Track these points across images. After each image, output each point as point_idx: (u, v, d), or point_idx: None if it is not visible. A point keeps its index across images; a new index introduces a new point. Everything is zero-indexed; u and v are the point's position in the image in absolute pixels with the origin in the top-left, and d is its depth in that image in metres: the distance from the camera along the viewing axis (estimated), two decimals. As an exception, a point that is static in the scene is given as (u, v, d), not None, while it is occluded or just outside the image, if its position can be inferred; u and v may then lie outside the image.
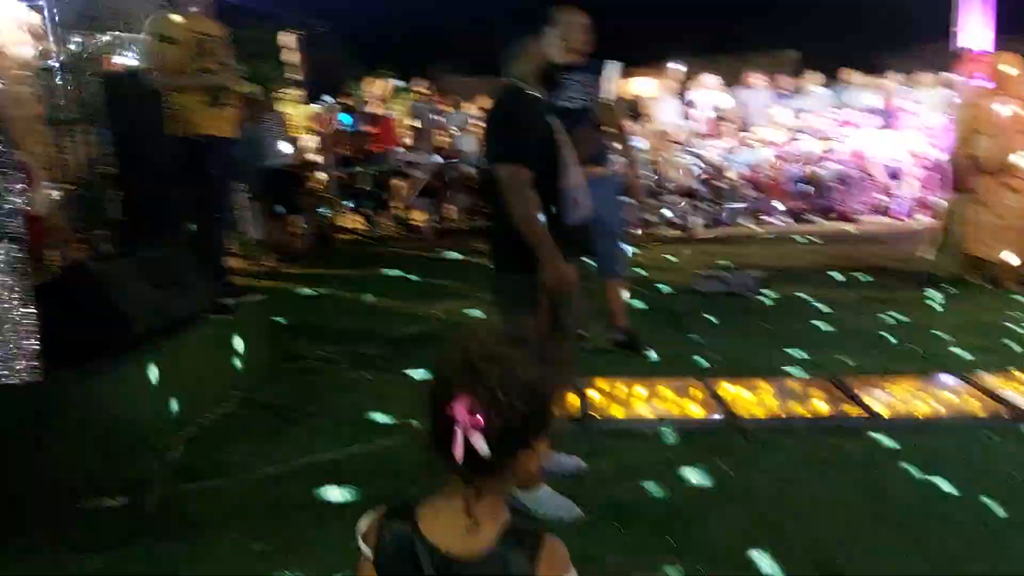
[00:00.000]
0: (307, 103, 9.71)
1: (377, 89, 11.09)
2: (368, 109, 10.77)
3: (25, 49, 9.60)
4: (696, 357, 4.62)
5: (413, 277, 7.18)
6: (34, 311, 3.23)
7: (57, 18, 8.31)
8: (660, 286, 6.47)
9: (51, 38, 8.39)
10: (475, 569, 1.14)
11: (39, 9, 8.31)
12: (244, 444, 3.63)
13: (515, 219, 2.81)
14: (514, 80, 2.97)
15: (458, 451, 1.09)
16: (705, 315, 5.60)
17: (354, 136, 10.27)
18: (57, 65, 8.25)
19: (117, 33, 10.78)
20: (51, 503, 3.03)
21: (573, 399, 3.88)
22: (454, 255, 8.05)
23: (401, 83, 11.62)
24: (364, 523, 1.22)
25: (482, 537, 1.15)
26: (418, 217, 10.25)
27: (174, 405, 3.61)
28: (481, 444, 1.09)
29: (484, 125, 3.10)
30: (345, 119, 10.37)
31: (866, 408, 3.71)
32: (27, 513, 2.98)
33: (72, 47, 9.02)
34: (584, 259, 3.77)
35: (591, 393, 4.00)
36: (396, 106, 11.60)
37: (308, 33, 9.25)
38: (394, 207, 10.25)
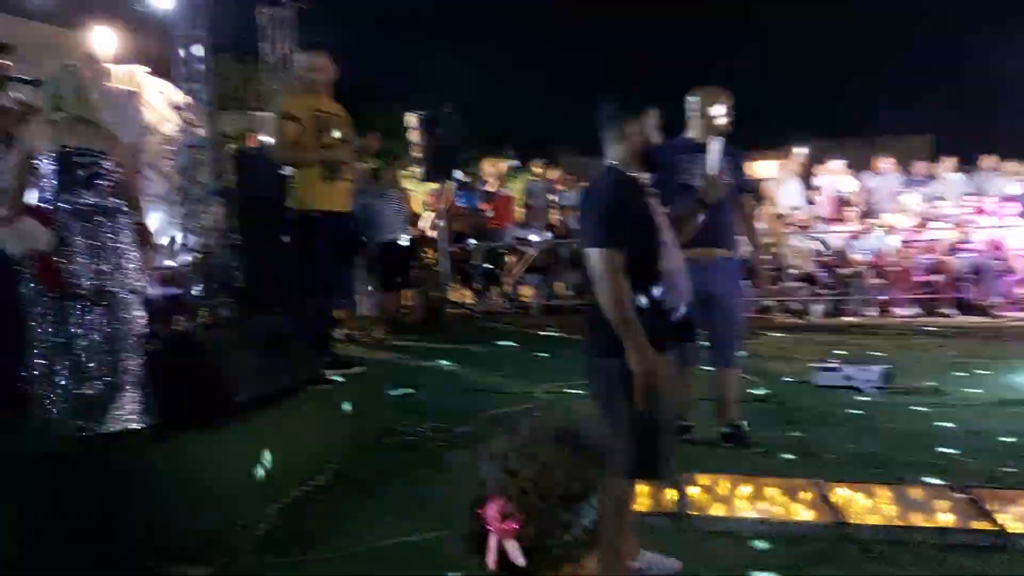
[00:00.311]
0: (426, 180, 9.99)
1: (494, 167, 11.32)
2: (485, 187, 11.00)
3: (171, 126, 10.39)
4: (809, 456, 4.33)
5: (519, 353, 7.14)
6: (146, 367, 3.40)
7: (205, 97, 8.97)
8: (775, 376, 6.17)
9: (197, 116, 9.05)
10: None
11: (189, 91, 9.00)
12: (334, 519, 3.61)
13: (605, 303, 2.73)
14: (611, 162, 2.93)
15: (490, 558, 0.99)
16: (822, 410, 5.28)
17: (469, 213, 10.48)
18: (199, 142, 8.87)
19: (259, 113, 11.57)
20: (136, 564, 3.08)
21: (671, 494, 3.69)
22: (561, 333, 7.98)
23: (515, 163, 11.84)
24: None
25: None
26: (527, 293, 10.27)
27: (268, 475, 3.63)
28: (515, 553, 0.99)
29: (579, 209, 3.06)
30: (462, 196, 10.61)
31: (998, 525, 3.34)
32: (110, 572, 3.03)
33: (215, 125, 9.71)
34: (688, 345, 3.61)
35: (691, 489, 3.79)
36: (513, 184, 11.81)
37: (431, 113, 9.55)
38: (504, 283, 10.31)
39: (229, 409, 3.48)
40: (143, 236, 3.71)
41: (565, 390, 5.51)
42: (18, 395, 3.58)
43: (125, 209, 3.58)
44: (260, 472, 3.59)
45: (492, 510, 1.00)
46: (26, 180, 3.48)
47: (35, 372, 3.46)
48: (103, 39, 11.20)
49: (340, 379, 4.44)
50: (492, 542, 1.00)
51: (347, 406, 4.31)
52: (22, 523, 3.04)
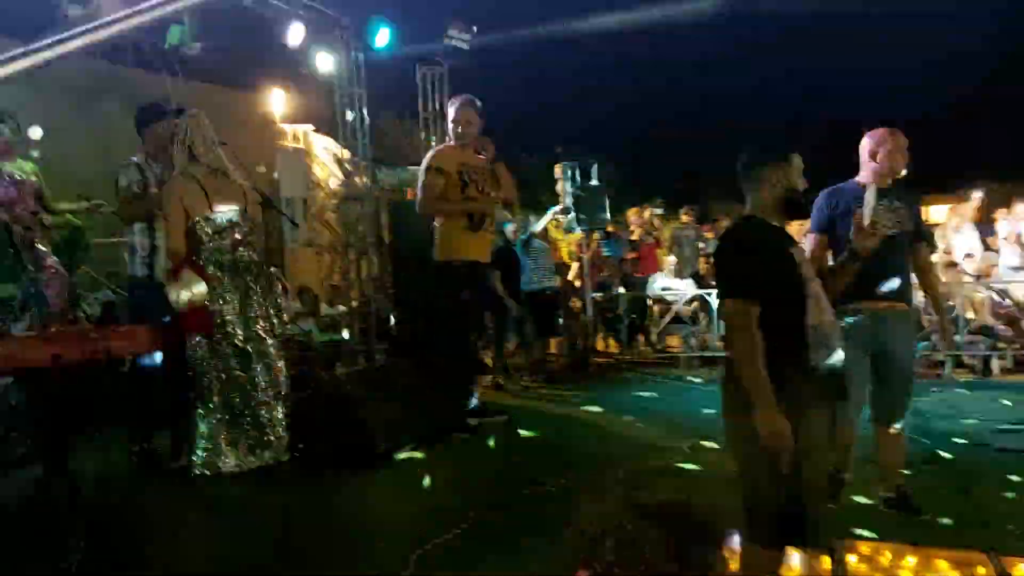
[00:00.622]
0: (572, 229, 10.05)
1: (640, 216, 11.25)
2: (631, 235, 10.94)
3: (335, 181, 11.01)
4: (984, 525, 3.93)
5: (664, 405, 6.96)
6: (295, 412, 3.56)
7: (365, 153, 9.46)
8: (947, 436, 5.68)
9: (358, 171, 9.55)
10: None
11: (351, 148, 9.53)
12: (472, 570, 3.60)
13: (736, 358, 2.61)
14: (751, 211, 2.82)
15: None
16: (1000, 475, 4.79)
17: (615, 261, 10.44)
18: (359, 195, 9.34)
19: (416, 167, 12.10)
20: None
21: (825, 562, 3.44)
22: (708, 386, 7.72)
23: (659, 210, 11.71)
24: None
25: None
26: (674, 344, 10.04)
27: (407, 523, 3.69)
28: None
29: (714, 258, 2.96)
30: (608, 245, 10.59)
31: None
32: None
33: (375, 179, 10.21)
34: (844, 403, 3.39)
35: (849, 557, 3.51)
36: (661, 232, 11.69)
37: (579, 163, 9.65)
38: (650, 332, 10.14)
39: (371, 456, 3.57)
40: (279, 285, 3.96)
41: (710, 444, 5.30)
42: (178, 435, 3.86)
43: (258, 259, 3.85)
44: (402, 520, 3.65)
45: None
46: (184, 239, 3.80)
47: (198, 411, 3.71)
48: (276, 101, 12.11)
49: (483, 427, 4.46)
50: None
51: (488, 455, 4.32)
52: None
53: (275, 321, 3.82)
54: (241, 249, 3.81)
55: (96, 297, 7.18)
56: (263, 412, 3.69)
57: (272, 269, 3.95)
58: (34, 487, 3.17)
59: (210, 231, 3.77)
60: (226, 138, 5.92)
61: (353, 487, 3.52)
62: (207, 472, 3.74)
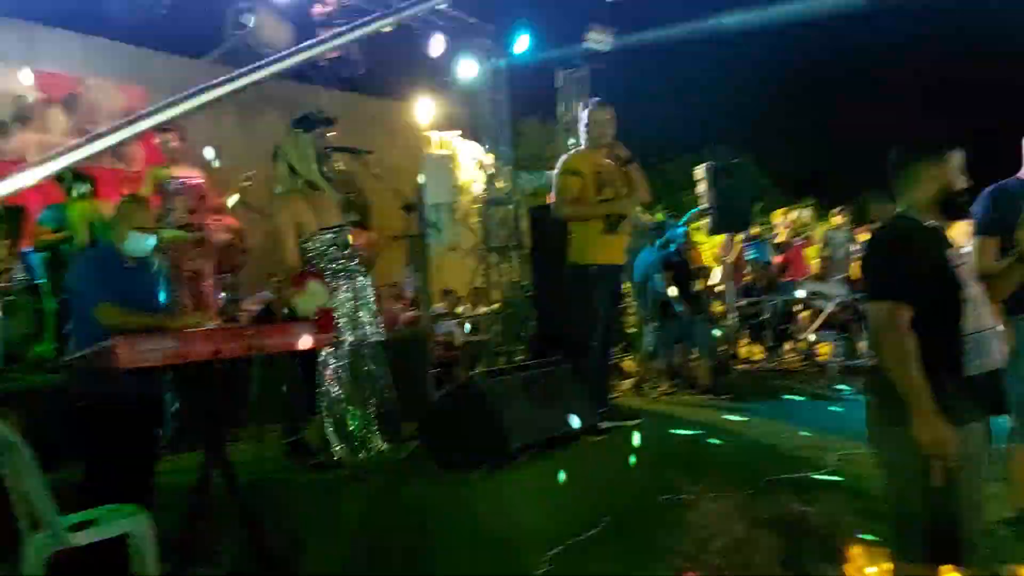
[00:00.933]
0: (715, 232, 9.81)
1: (787, 218, 10.84)
2: (776, 238, 10.56)
3: (478, 186, 11.25)
4: None
5: (812, 415, 6.69)
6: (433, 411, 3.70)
7: (506, 158, 9.63)
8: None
9: (500, 176, 9.73)
10: None
11: (494, 153, 9.73)
12: (606, 572, 3.60)
13: (886, 363, 2.48)
14: (903, 210, 2.67)
15: None
16: None
17: (760, 265, 10.11)
18: (501, 200, 9.51)
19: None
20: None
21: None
22: (860, 395, 7.33)
23: (806, 212, 11.22)
24: None
25: None
26: (824, 351, 9.60)
27: (541, 523, 3.73)
28: None
29: (864, 258, 2.82)
30: (752, 248, 10.27)
31: None
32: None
33: (516, 184, 10.37)
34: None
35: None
36: (813, 233, 11.22)
37: (720, 164, 9.41)
38: (797, 339, 9.75)
39: (506, 455, 3.63)
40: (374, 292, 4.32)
41: (858, 455, 5.04)
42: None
43: (362, 269, 4.23)
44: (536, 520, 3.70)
45: None
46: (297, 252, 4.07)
47: (342, 406, 3.93)
48: (423, 109, 12.52)
49: (617, 431, 4.46)
50: None
51: (621, 459, 4.30)
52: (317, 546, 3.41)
53: (375, 325, 4.14)
54: (343, 259, 4.08)
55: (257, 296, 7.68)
56: (380, 407, 3.96)
57: (367, 277, 4.23)
58: (196, 474, 3.42)
59: (319, 243, 4.03)
60: (376, 146, 6.19)
61: (490, 485, 3.60)
62: (345, 463, 3.97)
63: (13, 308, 5.76)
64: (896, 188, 2.76)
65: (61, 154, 0.84)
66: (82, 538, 2.99)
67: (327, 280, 4.05)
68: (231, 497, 3.43)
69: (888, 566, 2.75)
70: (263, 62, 0.94)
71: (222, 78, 1.00)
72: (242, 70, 0.97)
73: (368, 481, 3.90)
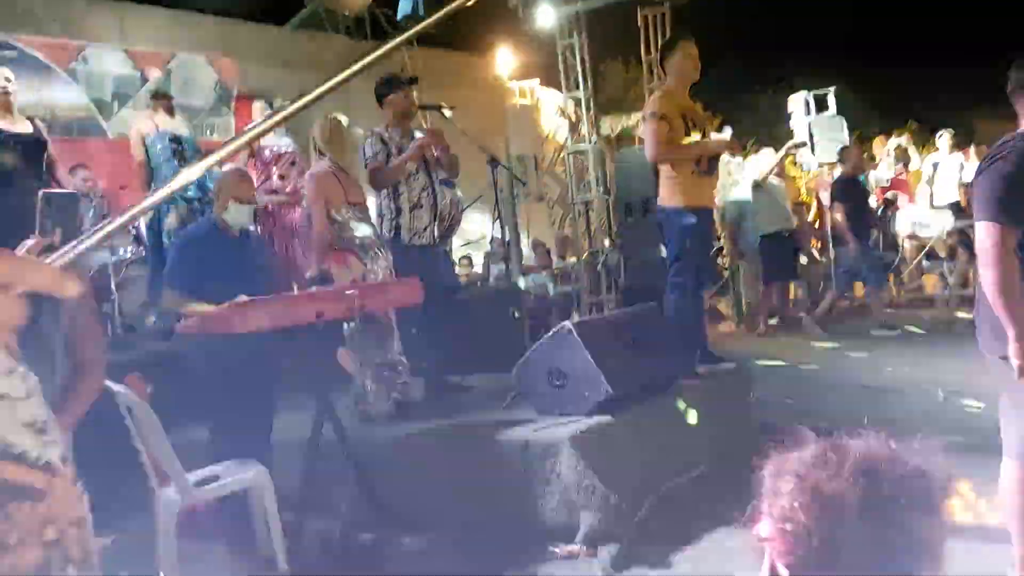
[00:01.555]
0: (811, 165, 9.49)
1: (891, 146, 10.37)
2: (878, 167, 10.14)
3: (562, 133, 11.17)
4: None
5: (919, 350, 6.49)
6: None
7: (587, 103, 9.51)
8: None
9: (585, 122, 9.63)
10: None
11: (576, 99, 9.62)
12: (706, 516, 3.62)
13: (986, 286, 2.39)
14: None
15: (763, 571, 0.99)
16: None
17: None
18: (589, 147, 9.43)
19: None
20: (532, 544, 3.42)
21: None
22: (969, 327, 7.04)
23: (901, 140, 10.69)
24: None
25: None
26: (929, 283, 9.24)
27: (638, 468, 3.77)
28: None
29: (975, 177, 2.67)
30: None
31: None
32: (513, 551, 3.40)
33: (598, 129, 10.25)
34: None
35: None
36: (915, 161, 10.72)
37: (815, 94, 9.06)
38: (901, 272, 9.39)
39: (602, 401, 3.67)
40: None
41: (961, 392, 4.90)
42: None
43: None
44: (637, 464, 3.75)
45: (766, 528, 0.97)
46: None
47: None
48: (503, 60, 12.45)
49: (712, 375, 4.43)
50: (766, 559, 0.98)
51: (718, 403, 4.28)
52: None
53: None
54: (366, 232, 4.34)
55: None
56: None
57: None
58: (310, 428, 3.59)
59: (348, 217, 4.17)
60: (458, 100, 6.23)
61: (587, 428, 3.65)
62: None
63: (126, 281, 6.11)
64: (1016, 106, 2.62)
65: (256, 127, 0.89)
66: (208, 493, 3.19)
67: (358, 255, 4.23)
68: (343, 450, 3.60)
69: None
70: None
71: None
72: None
73: (471, 428, 4.01)
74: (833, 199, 7.91)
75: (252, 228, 4.45)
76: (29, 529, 0.66)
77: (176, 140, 6.11)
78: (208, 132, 8.49)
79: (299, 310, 3.27)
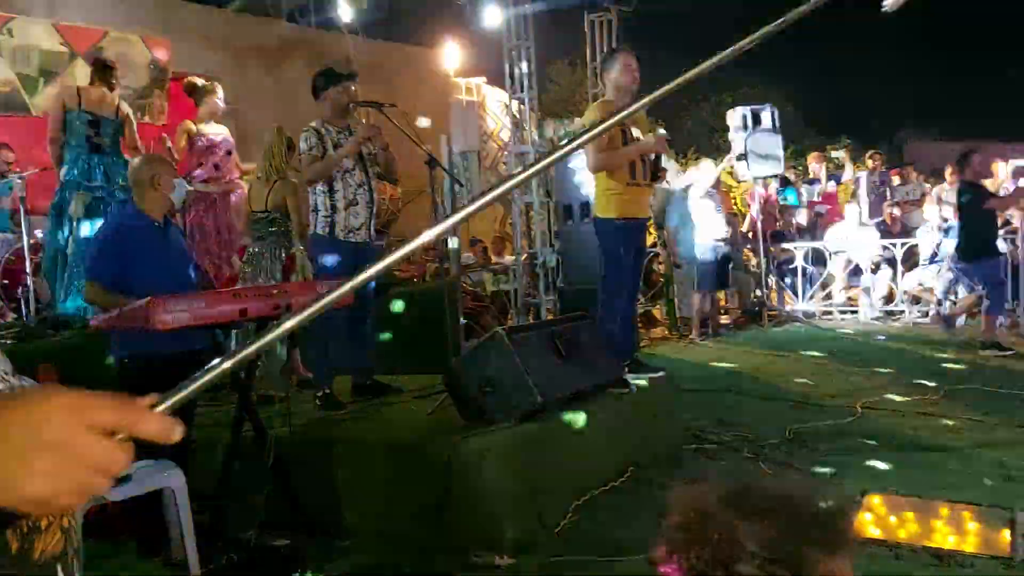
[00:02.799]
0: (746, 177, 9.66)
1: (821, 160, 10.64)
2: (810, 182, 10.39)
3: (506, 132, 11.15)
4: None
5: (843, 362, 6.66)
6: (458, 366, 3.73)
7: (531, 104, 9.49)
8: None
9: (529, 124, 9.62)
10: None
11: (520, 99, 9.59)
12: (631, 524, 3.64)
13: None
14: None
15: None
16: None
17: (792, 210, 9.97)
18: (531, 149, 9.41)
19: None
20: (453, 552, 3.39)
21: (1004, 533, 3.21)
22: (894, 342, 7.29)
23: (838, 154, 11.00)
24: None
25: None
26: (856, 296, 9.51)
27: (566, 474, 3.78)
28: None
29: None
30: (784, 192, 10.12)
31: None
32: (434, 558, 3.37)
33: (542, 131, 10.26)
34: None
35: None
36: (848, 179, 11.02)
37: (754, 108, 9.22)
38: (831, 285, 9.64)
39: (527, 408, 3.66)
40: None
41: (889, 396, 5.05)
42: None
43: None
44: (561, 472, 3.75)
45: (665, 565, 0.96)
46: None
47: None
48: (450, 55, 12.38)
49: (642, 383, 4.47)
50: None
51: (648, 411, 4.32)
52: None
53: None
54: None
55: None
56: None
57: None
58: (231, 426, 3.51)
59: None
60: (402, 94, 6.15)
61: (514, 437, 3.64)
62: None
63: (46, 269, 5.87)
64: None
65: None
66: (118, 494, 3.08)
67: None
68: (263, 450, 3.51)
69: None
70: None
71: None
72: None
73: (395, 433, 3.97)
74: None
75: (180, 217, 4.32)
76: None
77: (95, 124, 5.73)
78: (142, 114, 8.23)
79: (222, 307, 3.17)
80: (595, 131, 0.85)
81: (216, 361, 0.70)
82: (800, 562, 0.93)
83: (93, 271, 3.75)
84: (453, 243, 4.83)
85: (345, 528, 3.65)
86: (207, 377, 0.69)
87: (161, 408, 0.67)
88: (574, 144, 0.81)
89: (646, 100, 0.84)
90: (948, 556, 3.15)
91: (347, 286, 0.74)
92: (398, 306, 4.95)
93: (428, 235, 0.79)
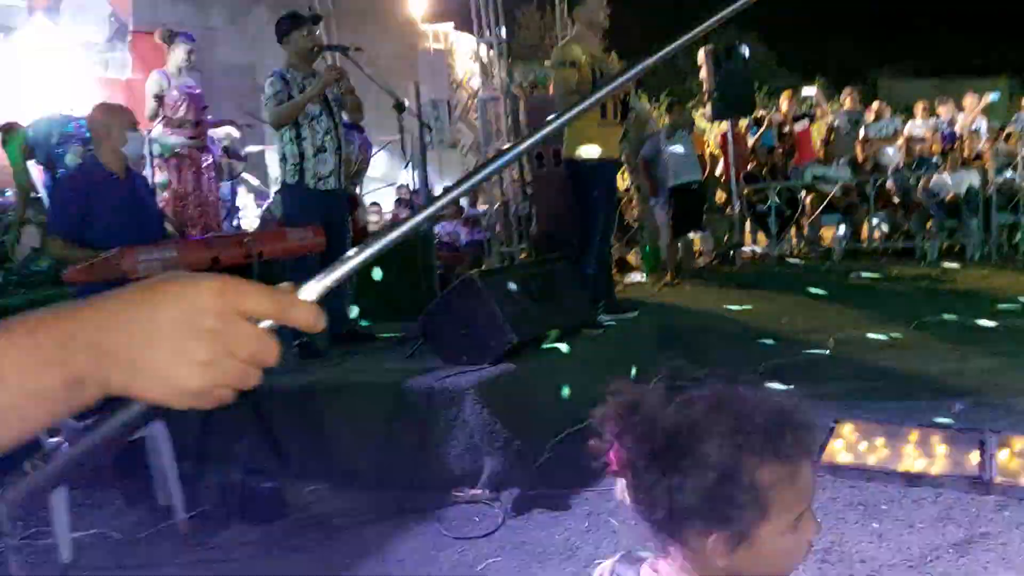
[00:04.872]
0: (717, 118, 9.64)
1: (792, 101, 10.62)
2: (784, 122, 10.39)
3: (476, 80, 11.03)
4: None
5: (815, 300, 6.78)
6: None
7: (507, 50, 9.38)
8: None
9: (499, 69, 9.51)
10: None
11: (489, 44, 9.47)
12: (601, 460, 3.72)
13: None
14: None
15: (617, 491, 1.05)
16: None
17: (765, 151, 9.98)
18: (501, 95, 9.33)
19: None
20: (434, 489, 3.46)
21: (973, 456, 3.33)
22: (865, 279, 7.40)
23: (810, 91, 10.98)
24: (605, 564, 1.18)
25: None
26: (827, 235, 9.60)
27: (541, 413, 3.84)
28: (621, 490, 1.04)
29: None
30: (756, 133, 10.12)
31: None
32: (416, 496, 3.44)
33: (512, 76, 10.14)
34: None
35: (1001, 453, 3.37)
36: (824, 116, 11.03)
37: (722, 46, 9.14)
38: (802, 225, 9.72)
39: (502, 350, 3.71)
40: None
41: (867, 336, 5.15)
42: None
43: None
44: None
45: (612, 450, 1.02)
46: None
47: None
48: (416, 2, 12.14)
49: (613, 323, 4.53)
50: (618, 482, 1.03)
51: (621, 350, 4.39)
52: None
53: None
54: None
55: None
56: None
57: None
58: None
59: None
60: (368, 42, 6.06)
61: (491, 379, 3.69)
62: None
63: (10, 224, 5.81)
64: None
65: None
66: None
67: None
68: (243, 397, 3.54)
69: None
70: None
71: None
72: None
73: (374, 376, 4.01)
74: None
75: (152, 170, 4.26)
76: None
77: None
78: (104, 68, 8.05)
79: (193, 255, 3.17)
80: (590, 100, 0.79)
81: (355, 250, 0.64)
82: (736, 464, 0.97)
83: (53, 225, 3.72)
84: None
85: (327, 470, 3.70)
86: (353, 263, 0.63)
87: (309, 296, 0.62)
88: (567, 115, 0.76)
89: (638, 67, 0.79)
90: (918, 478, 3.26)
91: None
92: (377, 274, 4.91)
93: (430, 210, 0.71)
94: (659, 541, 1.05)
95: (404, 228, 0.66)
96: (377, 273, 5.21)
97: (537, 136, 0.77)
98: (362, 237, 6.29)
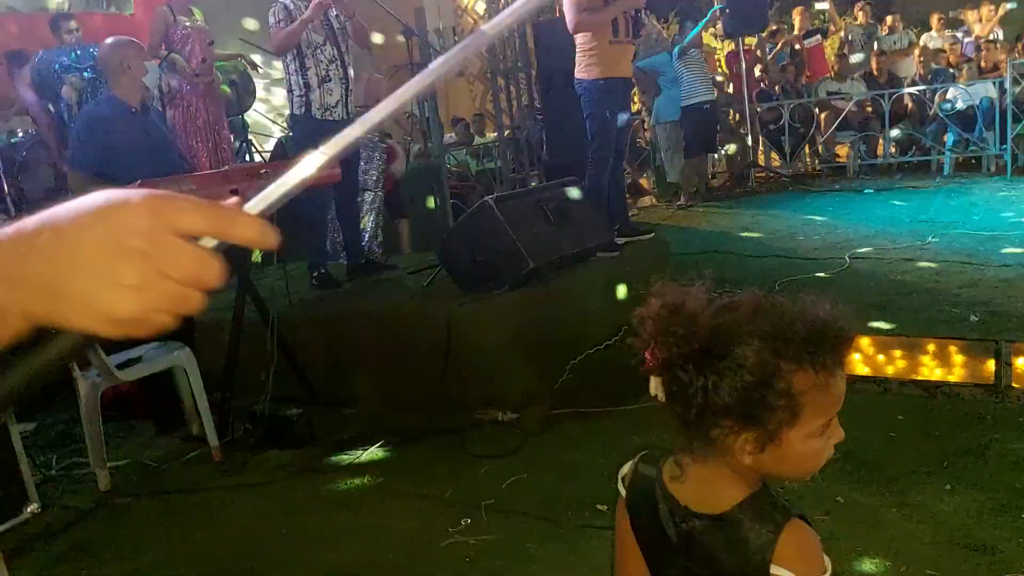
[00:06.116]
0: (729, 35, 9.43)
1: (808, 16, 10.36)
2: (797, 38, 10.16)
3: (481, 4, 10.80)
4: None
5: (831, 218, 6.73)
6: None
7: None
8: None
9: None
10: (705, 522, 1.08)
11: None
12: (627, 377, 3.76)
13: None
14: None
15: (651, 388, 1.07)
16: None
17: (777, 68, 9.79)
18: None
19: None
20: (456, 411, 3.53)
21: (990, 363, 3.36)
22: (880, 193, 7.34)
23: (823, 5, 10.69)
24: (626, 467, 1.22)
25: (719, 498, 1.08)
26: (841, 152, 9.48)
27: (563, 335, 3.89)
28: (655, 386, 1.06)
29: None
30: (768, 50, 9.92)
31: None
32: (439, 419, 3.51)
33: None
34: None
35: (1019, 360, 3.40)
36: (837, 31, 10.77)
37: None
38: (816, 142, 9.58)
39: (520, 274, 3.73)
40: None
41: (877, 247, 5.11)
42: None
43: None
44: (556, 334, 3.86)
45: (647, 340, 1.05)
46: None
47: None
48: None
49: (630, 245, 4.53)
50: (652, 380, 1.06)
51: (637, 273, 4.40)
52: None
53: None
54: None
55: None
56: None
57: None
58: (232, 306, 3.58)
59: None
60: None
61: (509, 303, 3.72)
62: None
63: (26, 164, 5.80)
64: None
65: None
66: (131, 374, 3.18)
67: None
68: (267, 328, 3.61)
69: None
70: None
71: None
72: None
73: (395, 304, 4.05)
74: None
75: (162, 106, 4.24)
76: None
77: None
78: (105, 5, 7.94)
79: (212, 188, 3.19)
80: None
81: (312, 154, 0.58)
82: (773, 369, 1.00)
83: (74, 161, 3.74)
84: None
85: (351, 396, 3.78)
86: (304, 172, 0.57)
87: (254, 210, 0.57)
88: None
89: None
90: (935, 388, 3.31)
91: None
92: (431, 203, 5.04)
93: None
94: (687, 439, 1.09)
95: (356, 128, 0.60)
96: (431, 202, 5.21)
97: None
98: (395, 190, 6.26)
